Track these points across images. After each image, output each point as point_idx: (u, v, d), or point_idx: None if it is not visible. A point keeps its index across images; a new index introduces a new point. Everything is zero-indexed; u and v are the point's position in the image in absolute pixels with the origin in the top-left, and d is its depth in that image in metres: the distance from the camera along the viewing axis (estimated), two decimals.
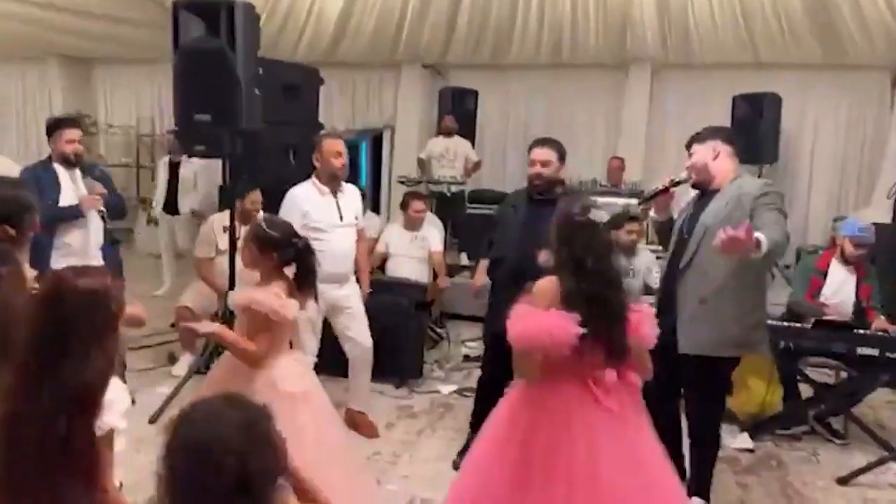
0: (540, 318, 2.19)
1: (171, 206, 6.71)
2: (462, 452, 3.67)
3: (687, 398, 3.11)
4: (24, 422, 1.61)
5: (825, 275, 4.20)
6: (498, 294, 3.50)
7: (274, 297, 2.51)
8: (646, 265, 4.73)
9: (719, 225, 2.69)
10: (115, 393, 1.71)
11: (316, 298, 2.78)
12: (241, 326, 2.61)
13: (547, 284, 2.30)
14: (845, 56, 7.01)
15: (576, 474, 2.16)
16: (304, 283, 2.67)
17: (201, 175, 6.65)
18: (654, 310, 2.40)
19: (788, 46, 6.97)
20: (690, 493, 2.95)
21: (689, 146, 3.08)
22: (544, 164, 3.42)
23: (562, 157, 3.46)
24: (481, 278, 3.86)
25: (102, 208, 3.78)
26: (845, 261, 4.18)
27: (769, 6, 6.52)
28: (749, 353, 3.11)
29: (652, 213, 3.25)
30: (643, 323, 2.30)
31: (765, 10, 6.61)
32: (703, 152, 2.99)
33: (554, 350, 2.16)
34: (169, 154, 6.84)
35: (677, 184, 3.07)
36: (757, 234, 2.49)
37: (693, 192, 3.13)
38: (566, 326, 2.15)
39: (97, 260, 3.79)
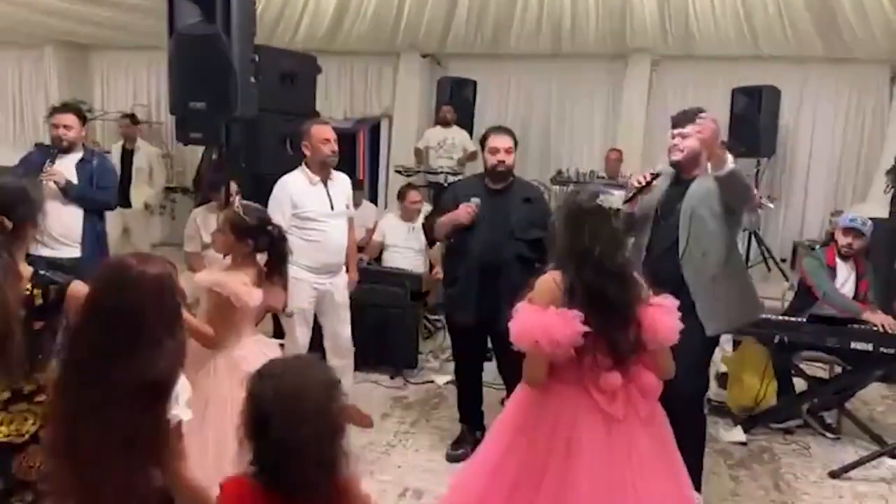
0: (539, 317, 2.05)
1: (122, 198, 6.20)
2: (455, 444, 3.67)
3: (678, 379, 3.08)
4: (88, 418, 1.54)
5: (834, 271, 4.19)
6: (461, 285, 3.51)
7: (239, 283, 2.53)
8: None
9: (704, 203, 2.86)
10: (180, 383, 1.67)
11: (285, 287, 2.77)
12: (204, 309, 2.62)
13: (547, 280, 2.16)
14: (845, 50, 6.98)
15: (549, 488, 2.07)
16: (276, 271, 2.68)
17: (157, 167, 6.49)
18: (677, 302, 2.20)
19: (789, 39, 6.94)
20: None
21: (679, 125, 2.98)
22: (508, 150, 3.44)
23: (516, 144, 3.54)
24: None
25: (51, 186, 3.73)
26: (842, 255, 4.17)
27: None
28: (756, 318, 3.36)
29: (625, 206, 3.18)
30: (663, 317, 2.12)
31: (766, 3, 6.58)
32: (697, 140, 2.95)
33: (555, 351, 2.02)
34: (123, 141, 6.54)
35: (657, 176, 3.00)
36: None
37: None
38: (567, 325, 2.01)
39: (68, 249, 3.82)
